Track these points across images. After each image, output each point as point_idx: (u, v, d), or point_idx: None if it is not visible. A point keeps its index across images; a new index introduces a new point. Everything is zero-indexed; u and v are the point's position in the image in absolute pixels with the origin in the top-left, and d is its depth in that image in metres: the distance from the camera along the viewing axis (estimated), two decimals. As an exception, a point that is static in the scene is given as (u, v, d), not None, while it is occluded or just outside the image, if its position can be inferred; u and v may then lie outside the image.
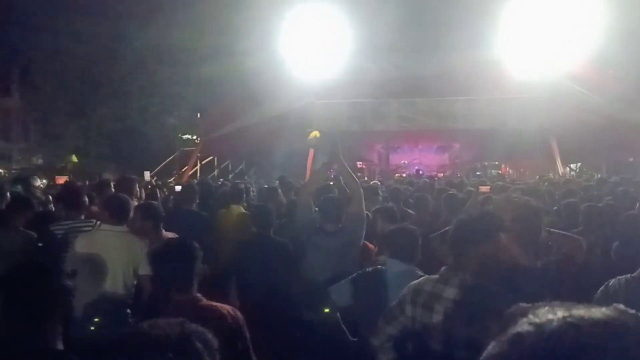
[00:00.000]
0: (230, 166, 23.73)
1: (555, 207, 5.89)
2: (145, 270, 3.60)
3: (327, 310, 3.58)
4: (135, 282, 3.75)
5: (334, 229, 3.93)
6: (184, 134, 24.96)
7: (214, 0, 18.53)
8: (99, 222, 4.12)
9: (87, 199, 4.55)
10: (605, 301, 2.62)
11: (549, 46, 16.10)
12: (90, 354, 1.85)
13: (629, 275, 2.72)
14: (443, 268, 2.46)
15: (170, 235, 4.17)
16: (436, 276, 2.46)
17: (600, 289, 2.78)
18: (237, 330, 2.41)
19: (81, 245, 3.70)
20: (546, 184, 9.37)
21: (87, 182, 9.00)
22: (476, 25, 15.34)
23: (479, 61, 15.69)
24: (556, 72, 16.36)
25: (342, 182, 7.44)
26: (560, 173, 16.02)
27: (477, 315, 2.14)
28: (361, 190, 4.12)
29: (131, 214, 4.01)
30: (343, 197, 4.66)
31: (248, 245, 4.26)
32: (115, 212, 3.90)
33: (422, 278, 2.58)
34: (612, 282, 2.76)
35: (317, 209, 4.07)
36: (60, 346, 1.86)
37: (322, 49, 17.43)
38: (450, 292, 2.31)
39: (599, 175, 13.98)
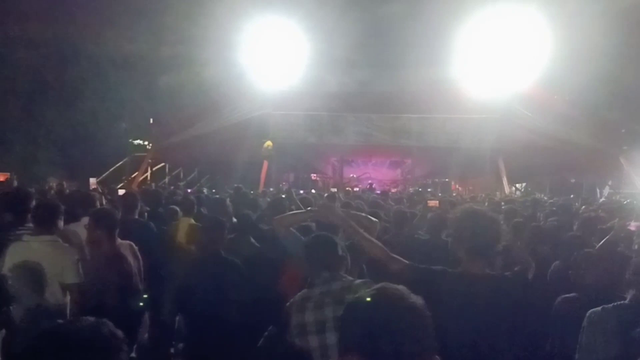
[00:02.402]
0: (182, 174, 23.30)
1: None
2: (72, 279, 3.58)
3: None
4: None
5: None
6: (135, 139, 24.37)
7: (173, 10, 18.28)
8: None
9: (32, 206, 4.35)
10: (594, 330, 2.74)
11: (501, 68, 16.74)
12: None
13: (615, 303, 2.81)
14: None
15: (125, 243, 4.09)
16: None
17: (586, 318, 2.82)
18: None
19: (17, 254, 3.57)
20: (486, 203, 9.53)
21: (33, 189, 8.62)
22: (434, 44, 15.75)
23: (435, 80, 16.11)
24: (506, 94, 16.99)
25: (294, 195, 7.46)
26: (506, 192, 16.56)
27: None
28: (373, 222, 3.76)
29: (59, 222, 3.89)
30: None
31: (197, 264, 4.11)
32: (43, 220, 3.78)
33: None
34: (595, 310, 2.81)
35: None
36: None
37: (280, 60, 17.48)
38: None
39: (537, 195, 14.48)
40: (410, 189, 17.55)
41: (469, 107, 17.19)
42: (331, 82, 16.99)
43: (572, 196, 13.92)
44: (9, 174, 8.62)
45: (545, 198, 12.80)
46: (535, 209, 7.64)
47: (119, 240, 4.05)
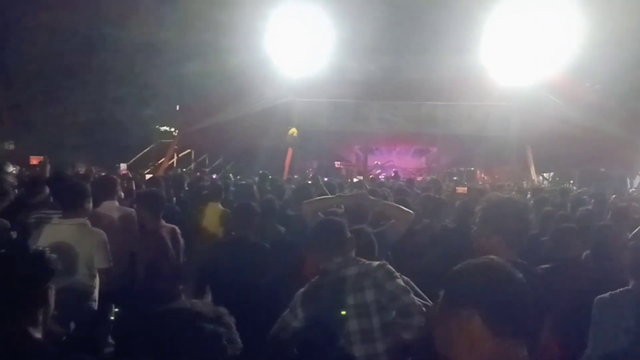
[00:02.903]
0: (207, 160, 23.52)
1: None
2: (101, 263, 3.66)
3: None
4: (95, 275, 3.72)
5: None
6: (161, 126, 24.65)
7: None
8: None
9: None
10: (601, 315, 2.81)
11: (529, 55, 16.38)
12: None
13: (619, 290, 2.85)
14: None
15: (168, 226, 4.17)
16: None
17: (595, 303, 2.87)
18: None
19: (48, 236, 3.65)
20: (513, 192, 9.44)
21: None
22: (460, 31, 15.48)
23: (462, 67, 15.87)
24: (534, 81, 16.65)
25: (322, 184, 7.46)
26: (534, 181, 16.29)
27: None
28: (406, 213, 3.81)
29: (87, 205, 3.94)
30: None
31: (224, 248, 4.15)
32: (71, 203, 3.84)
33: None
34: (603, 297, 2.88)
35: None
36: (38, 335, 1.83)
37: (306, 47, 17.41)
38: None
39: (565, 185, 14.22)
40: (428, 177, 17.38)
41: (495, 95, 16.91)
42: (356, 69, 16.89)
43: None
44: (42, 157, 8.81)
45: (574, 188, 12.55)
46: (564, 198, 7.49)
47: (162, 222, 4.14)
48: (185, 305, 1.33)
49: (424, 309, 2.54)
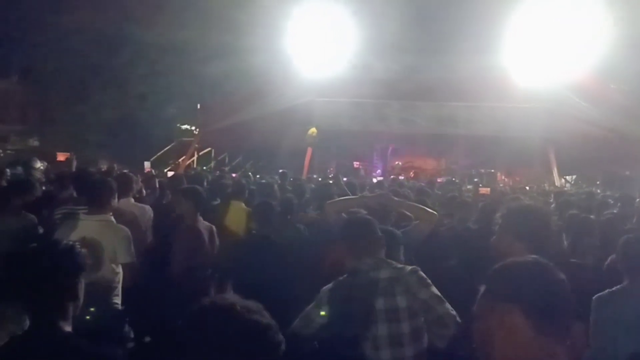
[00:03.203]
0: (227, 159, 23.66)
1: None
2: (125, 258, 3.69)
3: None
4: (118, 270, 3.77)
5: None
6: (183, 124, 24.89)
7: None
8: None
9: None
10: (599, 313, 2.84)
11: (553, 56, 16.15)
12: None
13: (617, 286, 2.94)
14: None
15: (206, 224, 4.29)
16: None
17: (593, 301, 2.92)
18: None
19: (74, 231, 3.70)
20: (535, 194, 9.32)
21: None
22: (483, 30, 15.34)
23: (484, 67, 15.71)
24: (558, 83, 16.42)
25: (343, 183, 7.46)
26: (556, 184, 16.06)
27: None
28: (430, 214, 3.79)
29: (112, 201, 4.00)
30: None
31: (246, 246, 4.19)
32: (97, 199, 3.89)
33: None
34: (602, 295, 2.95)
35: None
36: (69, 329, 1.87)
37: (327, 46, 17.42)
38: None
39: (589, 188, 13.99)
40: (444, 179, 17.16)
41: (518, 96, 16.71)
42: (377, 69, 16.82)
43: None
44: (69, 154, 8.98)
45: (598, 191, 12.34)
46: (590, 201, 7.37)
47: (201, 219, 4.21)
48: (232, 299, 1.36)
49: (458, 319, 2.51)
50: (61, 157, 8.17)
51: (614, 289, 2.94)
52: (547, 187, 14.07)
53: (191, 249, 4.08)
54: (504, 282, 1.46)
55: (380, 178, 15.37)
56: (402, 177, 18.01)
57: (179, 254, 4.04)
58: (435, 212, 3.78)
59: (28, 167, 6.83)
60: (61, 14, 21.05)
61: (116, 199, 4.09)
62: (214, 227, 4.39)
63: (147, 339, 3.90)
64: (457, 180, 14.69)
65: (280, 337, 1.35)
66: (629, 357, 2.48)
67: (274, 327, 1.35)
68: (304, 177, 13.40)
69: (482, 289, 1.51)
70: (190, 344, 1.27)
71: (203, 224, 4.33)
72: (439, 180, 17.05)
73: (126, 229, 3.88)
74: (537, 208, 2.73)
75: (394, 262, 2.73)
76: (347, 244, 2.79)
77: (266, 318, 1.35)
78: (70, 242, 2.04)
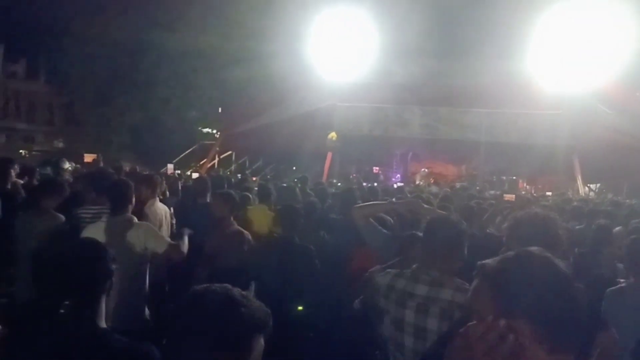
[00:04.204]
0: (247, 162, 23.83)
1: (580, 226, 5.85)
2: (161, 247, 3.71)
3: (300, 308, 3.73)
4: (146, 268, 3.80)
5: None
6: (204, 128, 25.16)
7: (243, 3, 18.70)
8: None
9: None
10: (610, 305, 2.98)
11: (579, 63, 15.94)
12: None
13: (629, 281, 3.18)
14: (414, 265, 2.57)
15: (239, 228, 4.46)
16: (408, 273, 2.55)
17: (606, 294, 3.12)
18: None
19: (97, 234, 3.75)
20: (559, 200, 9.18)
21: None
22: (508, 36, 15.22)
23: (508, 73, 15.56)
24: (584, 90, 16.19)
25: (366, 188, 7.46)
26: (580, 192, 15.81)
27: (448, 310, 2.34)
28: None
29: (133, 200, 4.01)
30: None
31: (271, 248, 4.21)
32: (119, 200, 3.88)
33: (393, 274, 2.61)
34: (613, 289, 3.17)
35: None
36: (104, 325, 1.93)
37: (348, 51, 17.46)
38: (422, 289, 2.44)
39: (613, 197, 13.74)
40: (457, 184, 16.95)
41: (542, 103, 16.50)
42: (399, 74, 16.79)
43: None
44: (96, 155, 9.17)
45: (627, 200, 12.12)
46: (617, 211, 7.24)
47: (235, 223, 4.45)
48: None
49: None
50: (88, 158, 8.35)
51: (623, 284, 3.18)
52: (570, 195, 13.86)
53: (224, 252, 4.15)
54: (514, 296, 1.26)
55: (400, 184, 15.32)
56: (421, 182, 17.94)
57: (210, 257, 4.10)
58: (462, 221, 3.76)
59: (57, 167, 6.97)
60: (88, 19, 21.49)
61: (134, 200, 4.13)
62: (245, 232, 4.45)
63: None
64: (467, 185, 14.48)
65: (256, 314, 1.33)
66: (636, 343, 2.64)
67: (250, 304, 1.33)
68: (324, 181, 13.41)
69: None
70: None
71: (236, 227, 4.42)
72: (458, 186, 16.93)
73: (149, 223, 3.93)
74: (542, 216, 2.68)
75: (460, 282, 2.46)
76: (425, 249, 2.59)
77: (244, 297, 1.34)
78: (102, 243, 2.09)
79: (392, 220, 4.25)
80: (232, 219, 4.48)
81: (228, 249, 4.21)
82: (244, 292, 1.35)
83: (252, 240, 4.47)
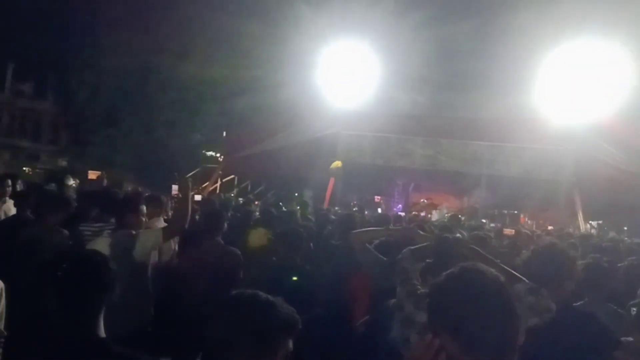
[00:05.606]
0: (249, 187, 23.85)
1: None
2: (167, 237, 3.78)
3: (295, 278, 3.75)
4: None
5: None
6: (208, 151, 25.30)
7: (250, 34, 19.07)
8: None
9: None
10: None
11: (582, 99, 16.12)
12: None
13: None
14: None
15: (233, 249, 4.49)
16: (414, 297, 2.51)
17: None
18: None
19: (105, 245, 3.77)
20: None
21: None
22: (510, 70, 15.43)
23: (510, 106, 15.73)
24: (586, 126, 16.32)
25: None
26: (581, 228, 15.77)
27: None
28: None
29: (140, 218, 4.06)
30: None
31: (273, 271, 4.23)
32: (122, 216, 3.96)
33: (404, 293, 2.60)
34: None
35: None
36: (103, 335, 1.94)
37: (353, 79, 17.70)
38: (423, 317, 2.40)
39: (614, 234, 13.70)
40: (447, 214, 16.90)
41: (544, 137, 16.61)
42: (402, 103, 16.99)
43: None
44: (100, 172, 9.25)
45: (626, 238, 12.09)
46: (617, 247, 7.24)
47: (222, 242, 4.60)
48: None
49: None
50: (92, 175, 8.44)
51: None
52: (571, 231, 13.82)
53: (221, 273, 4.15)
54: (439, 313, 1.30)
55: (402, 213, 15.32)
56: (423, 214, 17.92)
57: (206, 278, 4.11)
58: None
59: (61, 183, 7.02)
60: (98, 42, 21.89)
61: (143, 217, 4.16)
62: (238, 252, 4.48)
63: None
64: (462, 217, 14.41)
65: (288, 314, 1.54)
66: None
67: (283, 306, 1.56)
68: (324, 207, 13.43)
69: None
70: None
71: (231, 249, 4.43)
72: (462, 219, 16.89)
73: (143, 230, 3.95)
74: (562, 249, 2.71)
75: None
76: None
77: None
78: (104, 257, 2.13)
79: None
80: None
81: (227, 270, 4.22)
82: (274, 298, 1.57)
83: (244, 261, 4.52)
